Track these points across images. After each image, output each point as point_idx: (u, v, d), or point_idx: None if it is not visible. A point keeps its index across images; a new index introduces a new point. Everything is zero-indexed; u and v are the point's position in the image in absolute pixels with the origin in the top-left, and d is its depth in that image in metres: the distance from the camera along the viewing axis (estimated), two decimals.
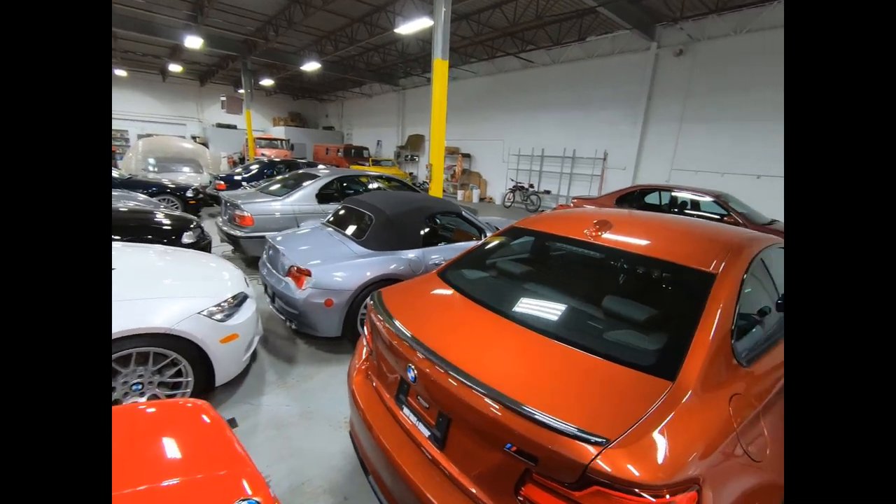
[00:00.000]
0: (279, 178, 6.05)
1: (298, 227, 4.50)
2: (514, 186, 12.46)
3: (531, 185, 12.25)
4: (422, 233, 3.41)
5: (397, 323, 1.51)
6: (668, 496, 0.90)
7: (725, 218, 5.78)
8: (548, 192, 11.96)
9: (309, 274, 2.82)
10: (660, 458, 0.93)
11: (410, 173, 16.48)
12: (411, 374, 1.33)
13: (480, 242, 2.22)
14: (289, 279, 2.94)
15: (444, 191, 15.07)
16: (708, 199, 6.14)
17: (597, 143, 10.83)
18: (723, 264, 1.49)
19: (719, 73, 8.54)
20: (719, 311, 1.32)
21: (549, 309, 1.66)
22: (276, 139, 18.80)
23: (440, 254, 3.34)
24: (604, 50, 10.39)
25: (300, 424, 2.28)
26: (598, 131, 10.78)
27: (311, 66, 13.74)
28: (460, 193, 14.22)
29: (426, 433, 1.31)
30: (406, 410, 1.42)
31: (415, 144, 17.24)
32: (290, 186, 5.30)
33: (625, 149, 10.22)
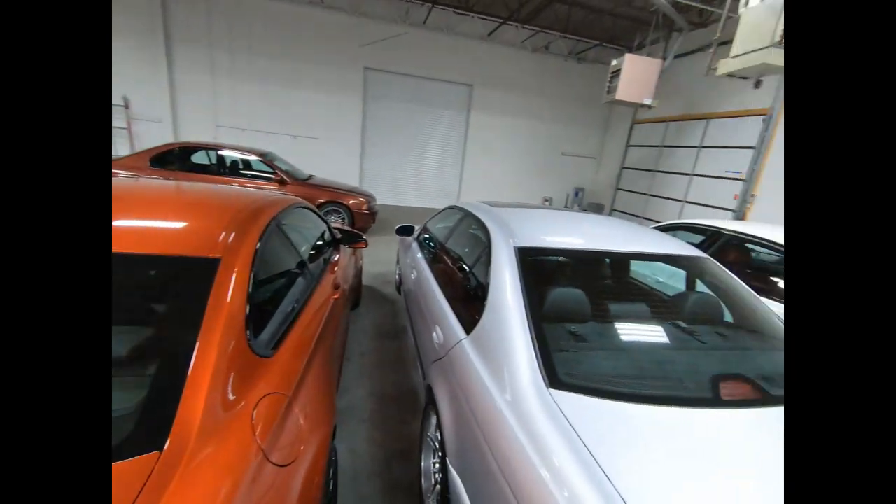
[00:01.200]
0: None
1: None
2: None
3: None
4: None
5: None
6: None
7: (273, 176, 6.14)
8: None
9: None
10: None
11: None
12: None
13: None
14: None
15: None
16: (255, 157, 6.23)
17: (115, 86, 8.19)
18: (230, 239, 1.23)
19: (243, 33, 8.51)
20: (227, 305, 1.05)
21: None
22: None
23: None
24: None
25: None
26: (114, 70, 8.12)
27: None
28: None
29: None
30: None
31: None
32: None
33: (155, 97, 8.39)
